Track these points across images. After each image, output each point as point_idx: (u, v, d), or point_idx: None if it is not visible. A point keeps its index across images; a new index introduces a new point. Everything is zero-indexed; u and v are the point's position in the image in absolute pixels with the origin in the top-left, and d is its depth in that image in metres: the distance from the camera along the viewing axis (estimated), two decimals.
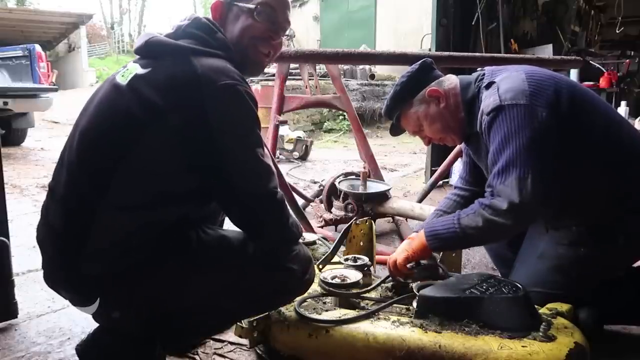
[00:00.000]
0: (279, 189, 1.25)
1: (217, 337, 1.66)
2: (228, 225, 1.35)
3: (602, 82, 5.36)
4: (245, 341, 1.52)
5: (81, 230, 1.15)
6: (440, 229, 1.50)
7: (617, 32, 6.01)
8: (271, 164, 1.26)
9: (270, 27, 1.34)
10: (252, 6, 1.30)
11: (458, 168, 3.55)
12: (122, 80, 1.19)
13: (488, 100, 1.47)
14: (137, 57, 1.26)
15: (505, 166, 1.39)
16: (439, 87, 1.62)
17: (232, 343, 1.63)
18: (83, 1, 45.43)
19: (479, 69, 1.66)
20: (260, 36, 1.33)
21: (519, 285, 1.38)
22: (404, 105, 1.67)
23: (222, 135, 1.15)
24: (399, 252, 1.59)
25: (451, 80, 1.65)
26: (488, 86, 1.52)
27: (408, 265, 1.57)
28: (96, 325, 1.33)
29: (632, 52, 6.19)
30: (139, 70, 1.19)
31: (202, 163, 1.17)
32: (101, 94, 1.24)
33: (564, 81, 1.52)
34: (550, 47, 5.57)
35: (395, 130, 1.78)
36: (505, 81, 1.48)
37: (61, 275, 1.22)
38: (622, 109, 5.04)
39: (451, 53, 3.50)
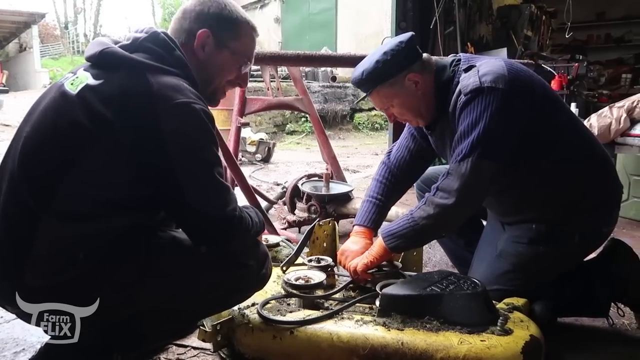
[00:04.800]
0: (237, 211, 1.21)
1: (179, 342, 1.63)
2: None
3: (554, 85, 5.54)
4: (208, 345, 1.50)
5: (23, 241, 1.11)
6: (396, 227, 1.53)
7: (567, 36, 6.27)
8: (229, 183, 1.24)
9: (244, 77, 1.41)
10: (242, 59, 1.36)
11: None
12: (72, 88, 1.16)
13: (467, 81, 1.47)
14: (88, 64, 1.22)
15: (468, 147, 1.42)
16: (420, 72, 1.57)
17: (195, 348, 1.60)
18: None
19: (451, 55, 1.65)
20: (235, 80, 1.40)
21: (477, 281, 1.42)
22: (380, 82, 1.57)
23: (177, 154, 1.13)
24: (359, 258, 1.60)
25: (430, 63, 1.61)
26: (467, 69, 1.52)
27: (369, 271, 1.59)
28: None
29: (581, 56, 6.45)
30: (90, 80, 1.16)
31: (154, 179, 1.15)
32: (47, 101, 1.19)
33: (536, 76, 1.57)
34: (504, 50, 5.75)
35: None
36: (485, 65, 1.49)
37: (5, 286, 1.16)
38: (572, 111, 5.24)
39: None
